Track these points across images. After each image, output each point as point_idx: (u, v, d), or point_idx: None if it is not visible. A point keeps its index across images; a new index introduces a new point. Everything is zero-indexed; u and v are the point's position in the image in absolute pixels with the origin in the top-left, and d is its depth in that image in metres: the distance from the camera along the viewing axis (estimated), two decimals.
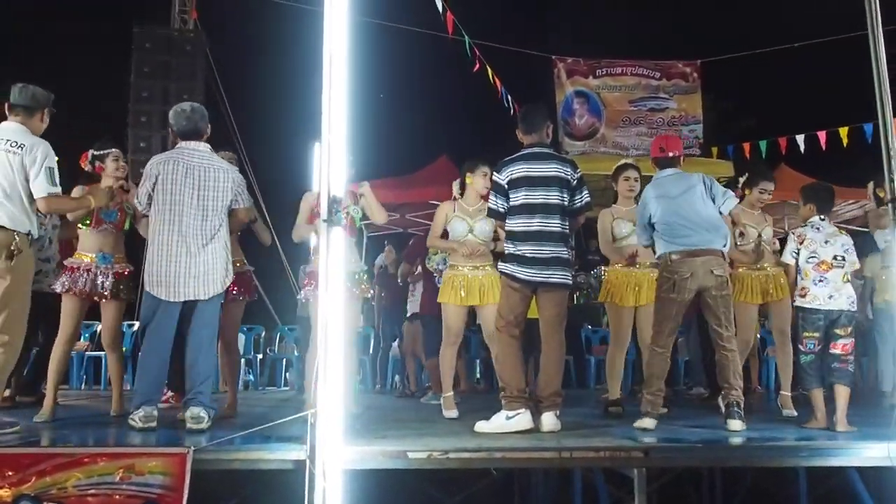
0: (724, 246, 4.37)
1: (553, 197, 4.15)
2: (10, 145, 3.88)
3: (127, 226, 4.75)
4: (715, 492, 5.40)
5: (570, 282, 4.24)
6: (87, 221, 4.65)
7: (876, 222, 5.39)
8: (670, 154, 4.55)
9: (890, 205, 3.59)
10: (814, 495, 4.77)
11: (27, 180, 3.89)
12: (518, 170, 4.19)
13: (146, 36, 9.31)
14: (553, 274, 4.11)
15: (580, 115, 10.39)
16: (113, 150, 4.78)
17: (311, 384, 4.88)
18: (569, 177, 4.20)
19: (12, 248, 3.80)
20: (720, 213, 4.40)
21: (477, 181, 4.97)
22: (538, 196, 4.14)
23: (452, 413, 4.82)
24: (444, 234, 5.08)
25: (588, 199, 4.28)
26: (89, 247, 4.67)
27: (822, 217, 4.46)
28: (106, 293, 4.60)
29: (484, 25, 10.00)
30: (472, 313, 5.10)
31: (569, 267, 4.23)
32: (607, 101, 10.45)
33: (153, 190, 4.07)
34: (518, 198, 4.17)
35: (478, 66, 9.76)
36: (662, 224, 4.40)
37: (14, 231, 3.84)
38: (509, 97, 10.44)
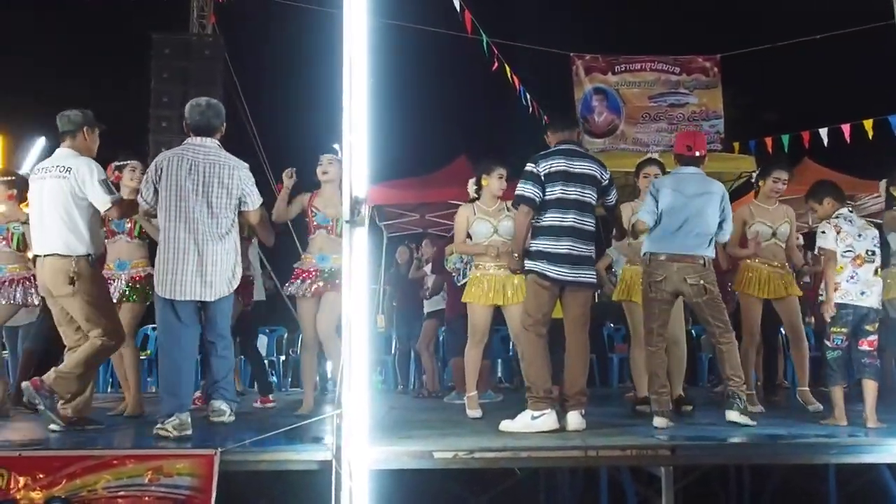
0: (709, 252, 4.32)
1: (587, 195, 4.19)
2: (60, 171, 4.10)
3: (137, 232, 4.89)
4: (743, 490, 5.34)
5: (596, 281, 4.29)
6: (105, 234, 4.85)
7: (891, 225, 5.24)
8: (697, 153, 4.46)
9: None
10: (844, 492, 4.71)
11: (84, 200, 4.07)
12: (556, 164, 4.17)
13: (165, 42, 9.38)
14: (582, 273, 4.14)
15: (599, 112, 10.32)
16: (130, 161, 4.97)
17: (309, 386, 5.10)
18: (600, 176, 4.27)
19: (71, 273, 3.98)
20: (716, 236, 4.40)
21: (492, 183, 4.94)
22: (573, 192, 4.15)
23: (476, 413, 4.80)
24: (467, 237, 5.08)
25: (617, 197, 4.43)
26: (109, 257, 4.92)
27: (850, 209, 4.38)
28: (120, 297, 4.79)
29: (501, 24, 9.99)
30: (496, 313, 5.07)
31: (594, 266, 4.29)
32: (626, 97, 10.36)
33: (158, 185, 3.97)
34: (554, 192, 4.15)
35: (496, 65, 9.73)
36: (663, 221, 4.33)
37: (72, 257, 4.02)
38: (528, 96, 10.40)
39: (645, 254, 4.40)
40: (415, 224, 10.31)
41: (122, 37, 12.16)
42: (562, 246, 4.10)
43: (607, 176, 4.31)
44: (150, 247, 4.92)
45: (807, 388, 4.98)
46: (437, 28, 9.89)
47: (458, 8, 8.37)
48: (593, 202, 4.23)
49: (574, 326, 4.19)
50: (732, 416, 4.07)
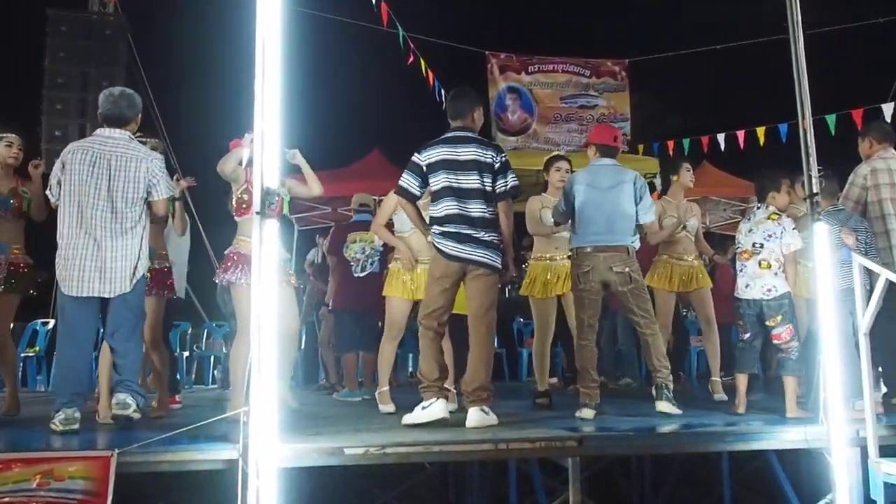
0: (634, 242, 4.44)
1: (474, 182, 4.03)
2: None
3: (25, 208, 4.59)
4: (644, 477, 5.56)
5: (498, 265, 4.07)
6: None
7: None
8: (620, 147, 4.68)
9: (808, 200, 3.72)
10: (736, 477, 4.97)
11: None
12: (438, 153, 4.08)
13: (62, 19, 8.86)
14: (477, 252, 3.99)
15: (513, 110, 10.48)
16: (5, 135, 4.66)
17: (238, 380, 4.82)
18: (490, 160, 4.06)
19: None
20: (637, 220, 4.47)
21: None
22: (462, 180, 4.03)
23: (389, 408, 4.78)
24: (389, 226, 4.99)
25: (515, 183, 4.13)
26: None
27: (759, 206, 4.55)
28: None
29: (418, 19, 9.96)
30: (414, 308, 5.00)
31: (497, 251, 4.07)
32: (539, 97, 10.57)
33: (62, 178, 3.85)
34: (439, 181, 4.07)
35: (411, 59, 9.71)
36: (581, 215, 4.46)
37: None
38: (442, 91, 10.43)
39: (572, 249, 4.51)
40: (327, 217, 10.18)
41: (14, 11, 11.41)
42: (451, 228, 4.01)
43: (501, 159, 4.10)
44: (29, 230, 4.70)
45: (718, 379, 5.23)
46: (352, 19, 9.77)
47: (374, 0, 8.30)
48: (482, 187, 4.04)
49: (474, 318, 4.07)
50: (663, 406, 4.18)
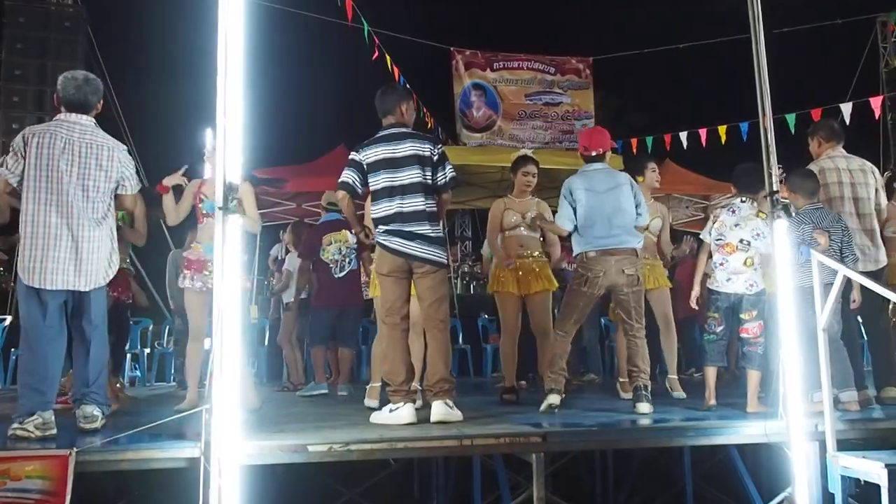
0: (639, 244, 4.49)
1: (415, 176, 4.03)
2: None
3: None
4: (607, 472, 5.62)
5: (443, 260, 4.10)
6: None
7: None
8: (593, 153, 4.62)
9: (769, 198, 3.78)
10: (698, 471, 5.05)
11: None
12: (376, 152, 4.06)
13: (19, 9, 8.68)
14: (423, 248, 3.99)
15: (478, 107, 10.50)
16: None
17: (194, 379, 4.74)
18: (428, 153, 4.07)
19: None
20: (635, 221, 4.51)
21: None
22: (401, 177, 4.02)
23: (373, 403, 4.74)
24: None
25: (452, 174, 4.16)
26: None
27: (744, 199, 4.49)
28: None
29: (383, 14, 9.92)
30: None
31: (441, 246, 4.08)
32: (504, 94, 10.61)
33: (25, 163, 3.62)
34: (379, 181, 4.04)
35: (376, 54, 9.68)
36: (584, 220, 4.46)
37: None
38: (407, 87, 10.41)
39: (577, 254, 4.51)
40: (291, 213, 10.09)
41: None
42: (394, 227, 4.00)
43: (438, 151, 4.12)
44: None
45: (675, 377, 5.31)
46: (316, 14, 9.69)
47: None
48: (424, 181, 4.04)
49: (426, 315, 4.06)
50: (644, 408, 4.22)
